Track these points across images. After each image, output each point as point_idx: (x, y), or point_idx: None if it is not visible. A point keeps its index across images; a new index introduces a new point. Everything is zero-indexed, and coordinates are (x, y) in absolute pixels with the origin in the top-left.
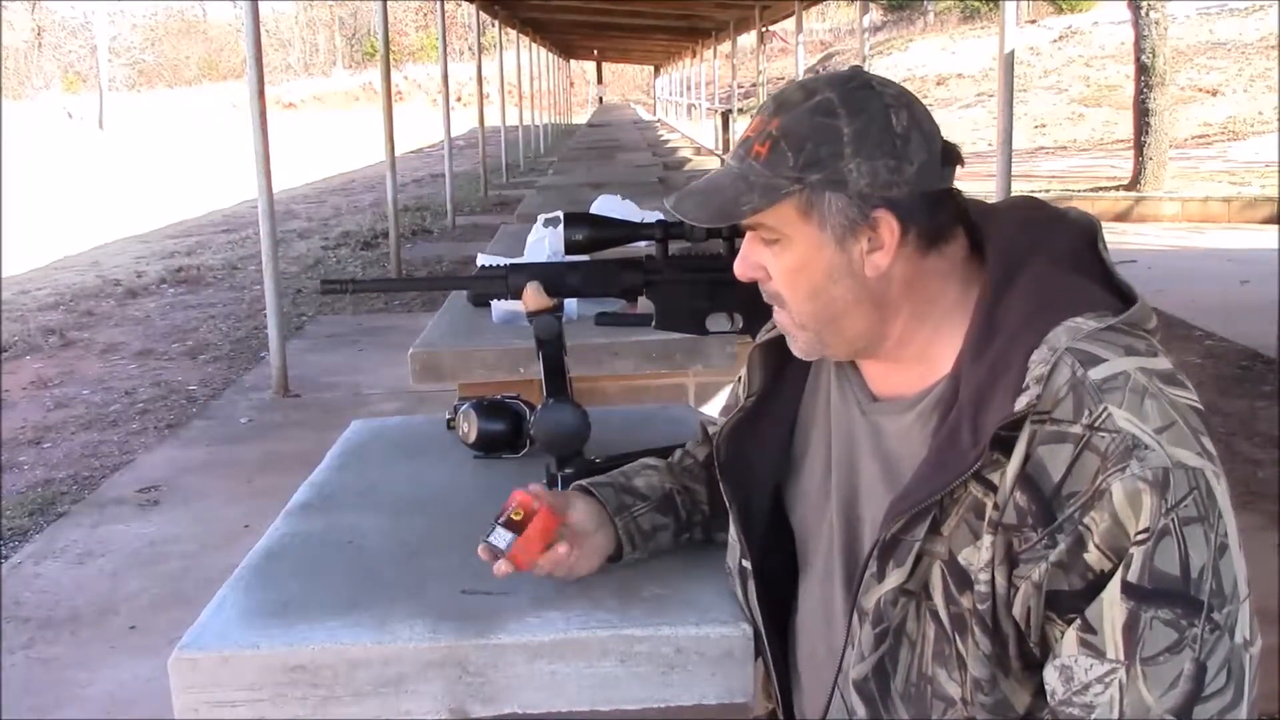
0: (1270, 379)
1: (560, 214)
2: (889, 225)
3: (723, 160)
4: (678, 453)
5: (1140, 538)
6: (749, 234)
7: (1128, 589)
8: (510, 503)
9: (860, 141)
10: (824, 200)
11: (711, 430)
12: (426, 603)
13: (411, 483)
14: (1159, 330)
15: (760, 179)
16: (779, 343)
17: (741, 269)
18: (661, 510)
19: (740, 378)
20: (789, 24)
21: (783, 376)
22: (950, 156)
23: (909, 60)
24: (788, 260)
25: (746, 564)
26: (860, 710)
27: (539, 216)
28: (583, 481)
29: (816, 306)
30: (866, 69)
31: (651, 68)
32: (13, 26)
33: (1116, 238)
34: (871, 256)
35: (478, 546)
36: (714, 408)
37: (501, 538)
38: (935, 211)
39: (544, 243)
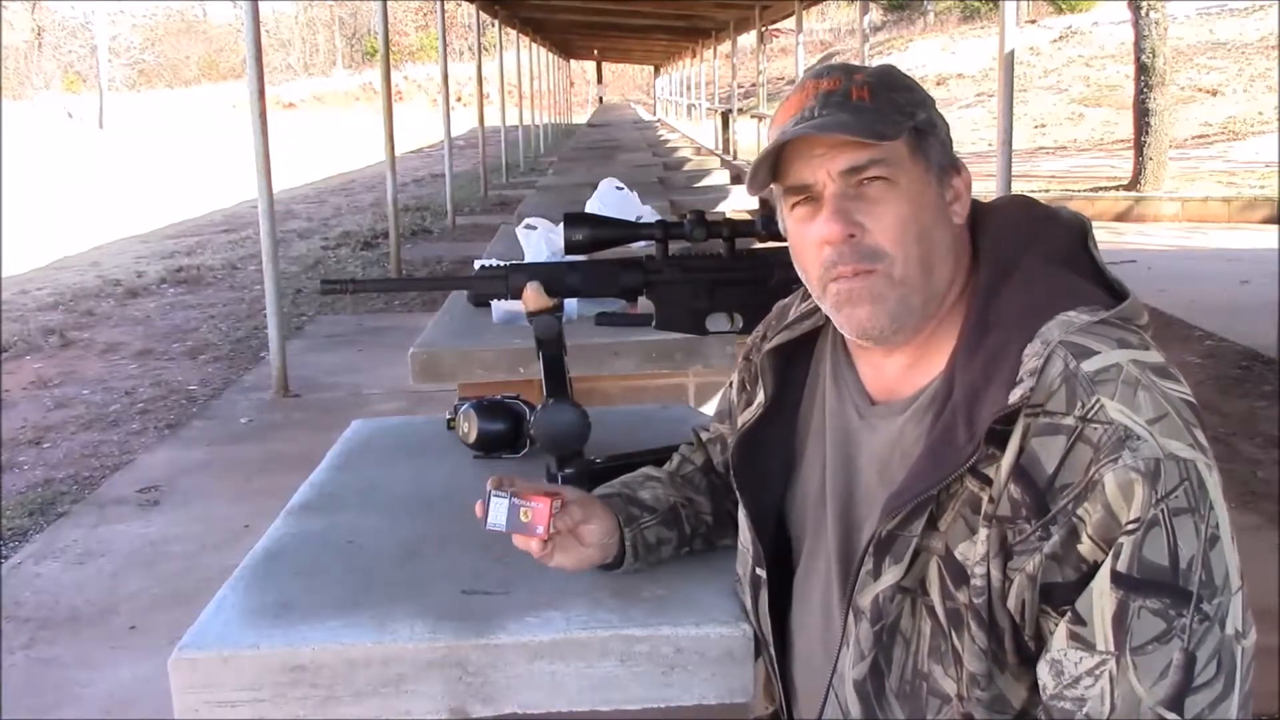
0: (1270, 379)
1: (536, 221)
2: (965, 175)
3: (723, 160)
4: (675, 460)
5: (1130, 527)
6: (830, 194)
7: (1117, 578)
8: (534, 501)
9: (929, 100)
10: (927, 140)
11: (705, 436)
12: (426, 603)
13: (411, 483)
14: (1150, 326)
15: (880, 114)
16: (784, 348)
17: (839, 229)
18: (667, 524)
19: (731, 382)
20: (789, 24)
21: (786, 382)
22: None
23: (909, 60)
24: (898, 203)
25: (761, 572)
26: (855, 710)
27: (522, 222)
28: (595, 492)
29: (923, 251)
30: None
31: (651, 68)
32: (13, 26)
33: (1116, 238)
34: (953, 205)
35: (490, 481)
36: (713, 408)
37: (498, 515)
38: None
39: (544, 243)
